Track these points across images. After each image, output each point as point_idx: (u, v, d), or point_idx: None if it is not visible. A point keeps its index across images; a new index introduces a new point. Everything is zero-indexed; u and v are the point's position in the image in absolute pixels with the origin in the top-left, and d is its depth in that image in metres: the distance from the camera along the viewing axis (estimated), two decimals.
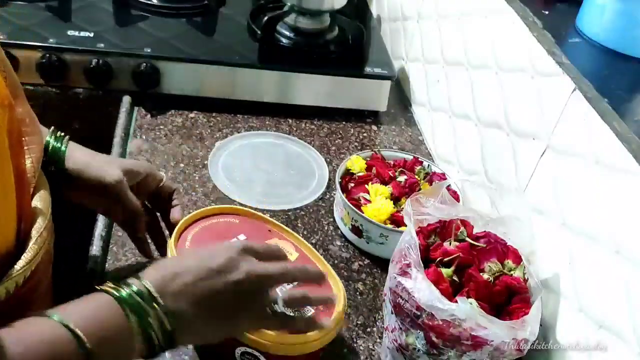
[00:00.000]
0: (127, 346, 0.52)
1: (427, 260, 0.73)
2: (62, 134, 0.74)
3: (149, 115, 1.12)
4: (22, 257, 0.55)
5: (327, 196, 1.02)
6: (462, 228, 0.76)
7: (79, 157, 0.73)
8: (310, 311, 0.71)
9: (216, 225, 0.79)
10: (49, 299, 0.64)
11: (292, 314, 0.67)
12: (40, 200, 0.60)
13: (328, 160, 1.09)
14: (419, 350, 0.70)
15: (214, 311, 0.57)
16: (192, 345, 0.74)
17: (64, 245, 0.69)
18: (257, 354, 0.68)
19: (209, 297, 0.57)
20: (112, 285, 0.54)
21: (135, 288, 0.54)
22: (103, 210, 0.82)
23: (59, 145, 0.72)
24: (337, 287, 0.74)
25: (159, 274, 0.56)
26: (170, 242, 0.74)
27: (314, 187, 1.03)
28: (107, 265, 0.83)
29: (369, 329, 0.82)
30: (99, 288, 0.54)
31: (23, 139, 0.58)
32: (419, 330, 0.69)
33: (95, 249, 0.84)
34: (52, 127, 0.73)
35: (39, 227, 0.57)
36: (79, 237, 0.88)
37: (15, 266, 0.54)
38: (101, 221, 0.88)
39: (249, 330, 0.65)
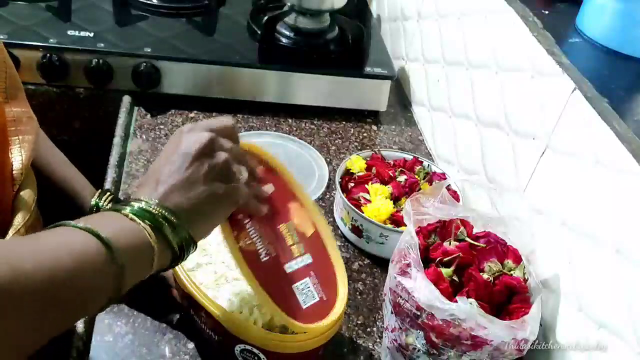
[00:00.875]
0: (148, 255, 0.53)
1: (427, 260, 0.73)
2: (108, 194, 0.77)
3: (149, 115, 1.12)
4: None
5: (327, 196, 1.02)
6: (462, 228, 0.76)
7: None
8: (315, 296, 0.68)
9: None
10: None
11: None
12: (24, 198, 0.60)
13: (328, 160, 1.09)
14: (418, 350, 0.70)
15: (196, 197, 0.58)
16: (193, 343, 0.74)
17: None
18: (256, 351, 0.68)
19: (189, 186, 0.58)
20: (113, 207, 0.55)
21: (130, 203, 0.55)
22: None
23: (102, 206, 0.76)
24: (343, 282, 0.71)
25: (147, 190, 0.57)
26: None
27: (314, 187, 1.03)
28: None
29: (369, 329, 0.82)
30: (101, 210, 0.55)
31: (17, 137, 0.59)
32: (418, 330, 0.69)
33: None
34: (100, 190, 0.78)
35: (17, 224, 0.58)
36: None
37: None
38: None
39: (235, 201, 0.62)
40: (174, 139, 0.62)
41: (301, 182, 1.01)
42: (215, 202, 0.60)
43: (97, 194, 0.78)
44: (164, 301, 0.79)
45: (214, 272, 0.74)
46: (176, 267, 0.68)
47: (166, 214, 0.55)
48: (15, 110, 0.60)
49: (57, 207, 0.74)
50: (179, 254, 0.57)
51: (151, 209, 0.55)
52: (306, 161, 1.08)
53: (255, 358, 0.68)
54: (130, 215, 0.53)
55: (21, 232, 0.58)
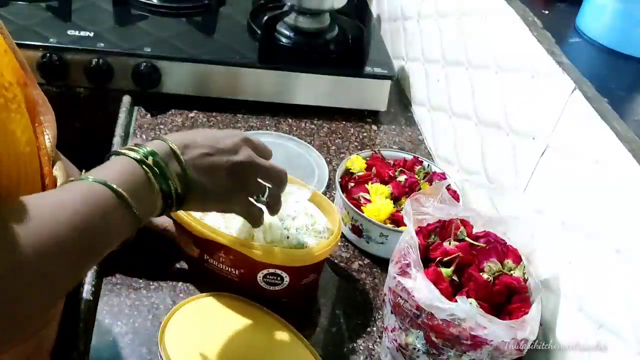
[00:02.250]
0: (152, 202, 0.58)
1: (426, 260, 0.73)
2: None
3: (149, 115, 1.12)
4: None
5: (327, 196, 1.02)
6: (461, 228, 0.76)
7: None
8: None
9: None
10: None
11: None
12: (59, 170, 0.63)
13: (328, 160, 1.09)
14: (418, 350, 0.70)
15: (214, 183, 0.64)
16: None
17: None
18: (279, 272, 0.77)
19: (212, 170, 0.63)
20: (130, 148, 0.59)
21: (148, 149, 0.59)
22: None
23: None
24: (334, 219, 0.83)
25: (175, 140, 0.62)
26: None
27: (313, 187, 1.03)
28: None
29: (369, 329, 0.82)
30: (118, 151, 0.59)
31: (40, 117, 0.62)
32: (418, 330, 0.69)
33: None
34: (84, 171, 0.79)
35: None
36: None
37: None
38: None
39: (238, 210, 0.70)
40: (225, 131, 0.71)
41: None
42: (223, 194, 0.66)
43: (82, 174, 0.80)
44: (170, 255, 0.85)
45: (221, 215, 0.80)
46: (187, 217, 0.78)
47: (177, 180, 0.60)
48: (33, 93, 0.62)
49: None
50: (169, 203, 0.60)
51: (166, 163, 0.59)
52: (306, 161, 1.08)
53: (278, 278, 0.78)
54: (143, 166, 0.58)
55: None
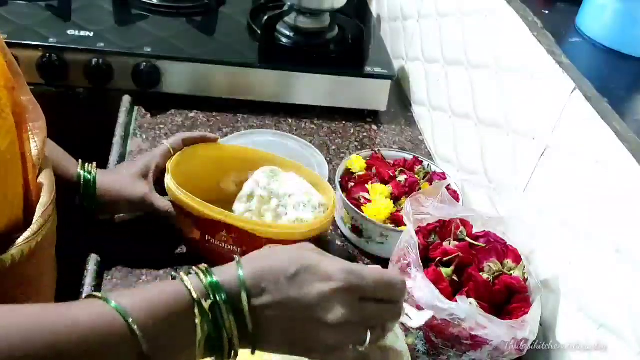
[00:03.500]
0: (187, 351, 0.47)
1: (426, 260, 0.73)
2: (91, 164, 0.82)
3: (149, 115, 1.11)
4: (29, 229, 0.57)
5: None
6: (461, 227, 0.76)
7: (105, 182, 0.81)
8: None
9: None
10: (50, 279, 0.66)
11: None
12: (45, 179, 0.62)
13: (328, 159, 1.09)
14: (418, 350, 0.70)
15: (290, 343, 0.52)
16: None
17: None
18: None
19: (291, 328, 0.51)
20: (196, 271, 0.49)
21: (213, 279, 0.48)
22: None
23: (89, 176, 0.80)
24: (329, 196, 0.86)
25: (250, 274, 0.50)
26: (168, 180, 0.81)
27: None
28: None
29: None
30: (178, 277, 0.49)
31: (28, 124, 0.61)
32: (418, 330, 0.69)
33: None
34: (80, 160, 0.81)
35: (45, 202, 0.60)
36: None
37: (22, 236, 0.56)
38: None
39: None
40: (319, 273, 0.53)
41: None
42: (296, 351, 0.53)
43: (79, 164, 0.81)
44: (171, 251, 0.86)
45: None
46: (187, 198, 0.78)
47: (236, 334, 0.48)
48: (23, 99, 0.61)
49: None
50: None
51: (228, 314, 0.47)
52: (306, 160, 1.08)
53: None
54: (196, 312, 0.46)
55: (49, 210, 0.60)
